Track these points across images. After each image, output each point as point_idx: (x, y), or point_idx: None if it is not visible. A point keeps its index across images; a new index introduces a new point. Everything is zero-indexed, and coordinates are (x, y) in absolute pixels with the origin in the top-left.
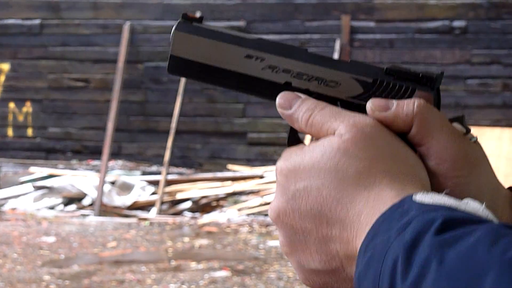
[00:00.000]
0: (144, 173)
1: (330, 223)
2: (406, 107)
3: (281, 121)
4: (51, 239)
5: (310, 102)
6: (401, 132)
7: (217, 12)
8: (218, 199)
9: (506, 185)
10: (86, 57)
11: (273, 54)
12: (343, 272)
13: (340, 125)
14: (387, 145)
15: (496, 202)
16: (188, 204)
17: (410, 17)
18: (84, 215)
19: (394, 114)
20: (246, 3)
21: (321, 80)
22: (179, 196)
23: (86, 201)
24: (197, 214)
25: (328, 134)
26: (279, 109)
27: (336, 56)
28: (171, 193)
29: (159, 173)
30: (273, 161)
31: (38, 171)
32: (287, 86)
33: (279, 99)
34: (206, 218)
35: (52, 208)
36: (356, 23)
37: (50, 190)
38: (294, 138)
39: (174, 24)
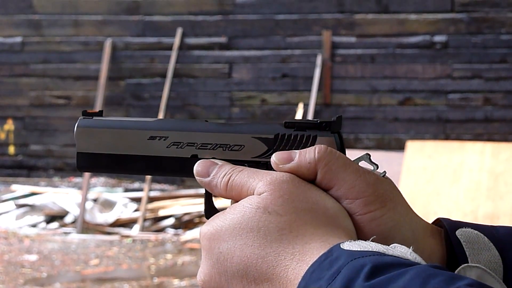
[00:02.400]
0: (126, 190)
1: (258, 282)
2: (307, 154)
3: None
4: (33, 257)
5: (228, 167)
6: (309, 180)
7: (198, 28)
8: (201, 216)
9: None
10: (68, 74)
11: (175, 130)
12: None
13: (258, 184)
14: (305, 199)
15: (416, 234)
16: (170, 221)
17: (391, 32)
18: (66, 233)
19: (297, 163)
20: (227, 19)
21: (225, 146)
22: (161, 213)
23: (68, 219)
24: (179, 231)
25: (248, 195)
26: (197, 178)
27: (317, 71)
28: (153, 210)
29: (141, 190)
30: None
31: (20, 189)
32: (194, 159)
33: (196, 167)
34: (189, 234)
35: (34, 226)
36: (337, 38)
37: (32, 208)
38: (211, 207)
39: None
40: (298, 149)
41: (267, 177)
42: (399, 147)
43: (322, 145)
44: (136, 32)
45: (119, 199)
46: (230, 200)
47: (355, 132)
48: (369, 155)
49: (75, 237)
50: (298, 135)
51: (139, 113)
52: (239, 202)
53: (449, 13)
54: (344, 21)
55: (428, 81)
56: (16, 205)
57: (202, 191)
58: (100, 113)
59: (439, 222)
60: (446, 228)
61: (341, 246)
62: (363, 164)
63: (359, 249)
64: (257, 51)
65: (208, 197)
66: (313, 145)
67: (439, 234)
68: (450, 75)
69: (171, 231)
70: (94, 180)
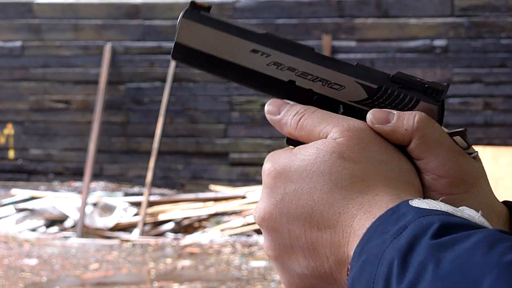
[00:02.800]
0: (126, 194)
1: (321, 227)
2: (406, 121)
3: (263, 141)
4: (33, 261)
5: (300, 106)
6: (400, 145)
7: None
8: (201, 220)
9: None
10: (67, 78)
11: (280, 51)
12: (331, 277)
13: (334, 129)
14: (380, 151)
15: (489, 219)
16: (170, 225)
17: (391, 37)
18: (66, 237)
19: (393, 128)
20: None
21: (325, 82)
22: (161, 217)
23: (68, 223)
24: (179, 235)
25: (320, 137)
26: (267, 115)
27: None
28: (153, 214)
29: (141, 194)
30: (255, 181)
31: (19, 193)
32: (291, 84)
33: (267, 106)
34: (189, 239)
35: (34, 230)
36: (337, 43)
37: (32, 212)
38: (293, 140)
39: (181, 11)
40: (398, 108)
41: (344, 123)
42: None
43: (422, 114)
44: (136, 37)
45: (119, 204)
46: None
47: None
48: (465, 131)
49: (75, 241)
50: (402, 93)
51: (139, 117)
52: (311, 143)
53: (449, 17)
54: (344, 25)
55: None
56: (16, 209)
57: (202, 195)
58: (208, 9)
59: (506, 204)
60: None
61: (410, 203)
62: (457, 139)
63: (427, 207)
64: None
65: None
66: (414, 108)
67: (509, 218)
68: (450, 80)
69: (171, 235)
70: (94, 184)
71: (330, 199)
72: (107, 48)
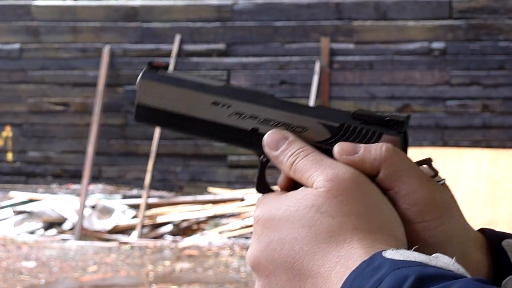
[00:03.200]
0: (124, 197)
1: (302, 277)
2: (373, 151)
3: None
4: (31, 264)
5: (297, 146)
6: (368, 177)
7: (197, 34)
8: (199, 222)
9: (486, 206)
10: (66, 81)
11: (240, 100)
12: None
13: (318, 177)
14: (362, 202)
15: (465, 246)
16: (169, 228)
17: (389, 39)
18: (64, 240)
19: (361, 158)
20: (226, 26)
21: (288, 126)
22: (159, 220)
23: (66, 226)
24: (178, 238)
25: (308, 183)
26: (265, 148)
27: (316, 78)
28: (151, 217)
29: (139, 196)
30: (253, 184)
31: (18, 195)
32: (254, 132)
33: (266, 137)
34: (187, 241)
35: (32, 232)
36: (335, 45)
37: (30, 214)
38: (262, 181)
39: (139, 75)
40: (362, 143)
41: (329, 171)
42: None
43: (389, 144)
44: (134, 39)
45: (117, 206)
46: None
47: None
48: (431, 160)
49: (73, 244)
50: (364, 128)
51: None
52: (295, 193)
53: (447, 20)
54: (343, 27)
55: (426, 88)
56: (14, 211)
57: (200, 198)
58: (166, 67)
59: (482, 232)
60: (490, 239)
61: (383, 254)
62: (423, 168)
63: (401, 259)
64: (255, 58)
65: (262, 171)
66: (378, 141)
67: (485, 245)
68: (448, 82)
69: (169, 237)
70: (92, 186)
71: (310, 251)
72: (106, 51)
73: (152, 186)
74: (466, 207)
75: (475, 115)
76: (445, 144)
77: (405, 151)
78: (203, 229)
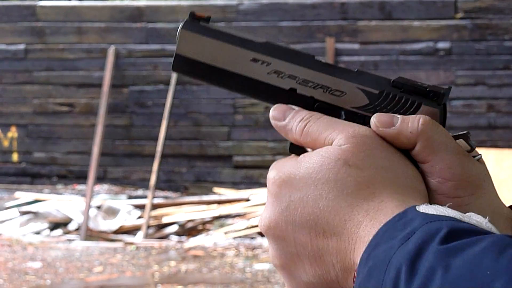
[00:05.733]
0: (130, 197)
1: (327, 235)
2: (411, 124)
3: (267, 144)
4: (37, 264)
5: (305, 112)
6: (405, 149)
7: None
8: (204, 223)
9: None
10: (71, 81)
11: (280, 59)
12: (337, 284)
13: (339, 135)
14: (386, 157)
15: (497, 222)
16: (174, 228)
17: (394, 39)
18: (70, 240)
19: (398, 131)
20: (230, 26)
21: (326, 89)
22: (165, 220)
23: (72, 226)
24: (183, 238)
25: (325, 144)
26: (272, 121)
27: None
28: (157, 217)
29: (145, 197)
30: (259, 184)
31: (23, 196)
32: (292, 92)
33: (272, 111)
34: (192, 241)
35: (38, 233)
36: (340, 45)
37: (36, 215)
38: (296, 147)
39: (180, 22)
40: (400, 113)
41: (349, 129)
42: None
43: (427, 117)
44: (139, 40)
45: (122, 206)
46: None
47: None
48: (469, 134)
49: (79, 244)
50: (403, 97)
51: (142, 120)
52: (316, 151)
53: (453, 19)
54: (348, 28)
55: None
56: (19, 212)
57: (206, 198)
58: (207, 19)
59: None
60: None
61: (417, 209)
62: (460, 142)
63: (435, 213)
64: None
65: None
66: (416, 112)
67: None
68: (453, 82)
69: (174, 238)
70: (97, 187)
71: (336, 206)
72: (111, 51)
73: (158, 187)
74: None
75: (480, 115)
76: None
77: (443, 124)
78: (208, 230)
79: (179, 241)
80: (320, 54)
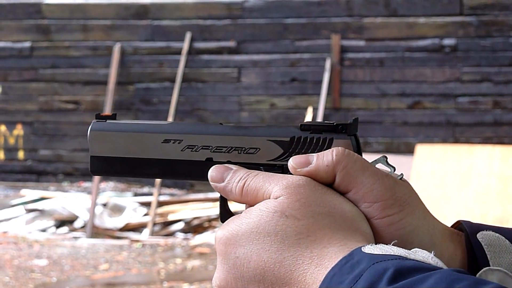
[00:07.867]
0: (135, 195)
1: (276, 286)
2: (325, 157)
3: None
4: (43, 262)
5: (242, 171)
6: (327, 184)
7: (207, 32)
8: (210, 220)
9: (498, 203)
10: (77, 79)
11: (189, 133)
12: None
13: (274, 188)
14: (322, 203)
15: (434, 238)
16: (180, 225)
17: (400, 36)
18: (76, 238)
19: (315, 167)
20: (236, 23)
21: (240, 149)
22: (171, 217)
23: (77, 223)
24: (189, 235)
25: (264, 199)
26: (212, 183)
27: (326, 75)
28: (163, 214)
29: (150, 194)
30: None
31: (29, 193)
32: (209, 162)
33: (210, 172)
34: (198, 239)
35: (43, 230)
36: (346, 42)
37: (42, 212)
38: (226, 211)
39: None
40: (314, 152)
41: (283, 181)
42: (409, 151)
43: (339, 148)
44: (144, 37)
45: (128, 204)
46: (245, 205)
47: (364, 136)
48: (386, 158)
49: (84, 241)
50: (314, 138)
51: (148, 117)
52: (255, 206)
53: (458, 16)
54: (353, 25)
55: (437, 85)
56: (25, 210)
57: (212, 195)
58: (113, 116)
59: (459, 224)
60: (466, 231)
61: (362, 250)
62: (379, 166)
63: (380, 253)
64: (266, 55)
65: (223, 202)
66: (330, 148)
67: (459, 237)
68: (459, 79)
69: (180, 235)
70: (103, 184)
71: (280, 257)
72: (116, 49)
73: (163, 184)
74: (478, 204)
75: (486, 111)
76: (456, 141)
77: (359, 152)
78: (214, 227)
79: (185, 239)
80: (326, 51)
